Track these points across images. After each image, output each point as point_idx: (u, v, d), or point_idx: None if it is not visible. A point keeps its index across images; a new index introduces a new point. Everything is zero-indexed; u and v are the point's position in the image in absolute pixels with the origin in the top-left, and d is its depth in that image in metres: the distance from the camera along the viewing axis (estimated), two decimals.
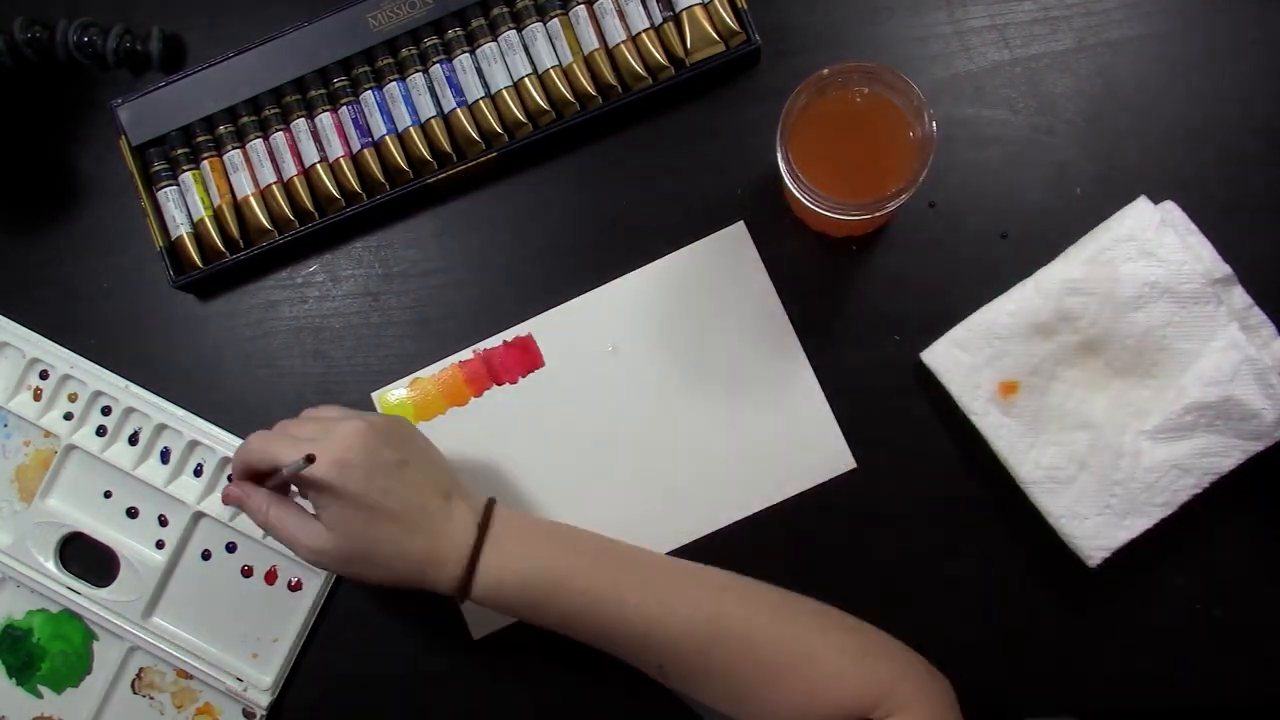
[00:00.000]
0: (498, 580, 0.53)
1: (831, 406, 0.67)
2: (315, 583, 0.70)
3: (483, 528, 0.53)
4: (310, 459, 0.51)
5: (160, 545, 0.71)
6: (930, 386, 0.66)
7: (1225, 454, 0.62)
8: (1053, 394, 0.63)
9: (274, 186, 0.69)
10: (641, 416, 0.68)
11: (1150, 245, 0.62)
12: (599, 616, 0.53)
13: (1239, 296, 0.63)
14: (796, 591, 0.60)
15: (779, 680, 0.51)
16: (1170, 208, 0.64)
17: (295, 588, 0.70)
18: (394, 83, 0.69)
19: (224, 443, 0.71)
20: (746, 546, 0.66)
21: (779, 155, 0.58)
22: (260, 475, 0.57)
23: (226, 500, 0.57)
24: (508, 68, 0.69)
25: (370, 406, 0.70)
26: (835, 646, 0.53)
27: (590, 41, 0.68)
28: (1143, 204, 0.64)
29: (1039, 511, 0.63)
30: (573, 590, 0.53)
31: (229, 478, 0.57)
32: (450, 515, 0.54)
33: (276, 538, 0.56)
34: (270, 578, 0.70)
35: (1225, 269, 0.62)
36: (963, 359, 0.63)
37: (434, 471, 0.55)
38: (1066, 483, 0.62)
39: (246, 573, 0.70)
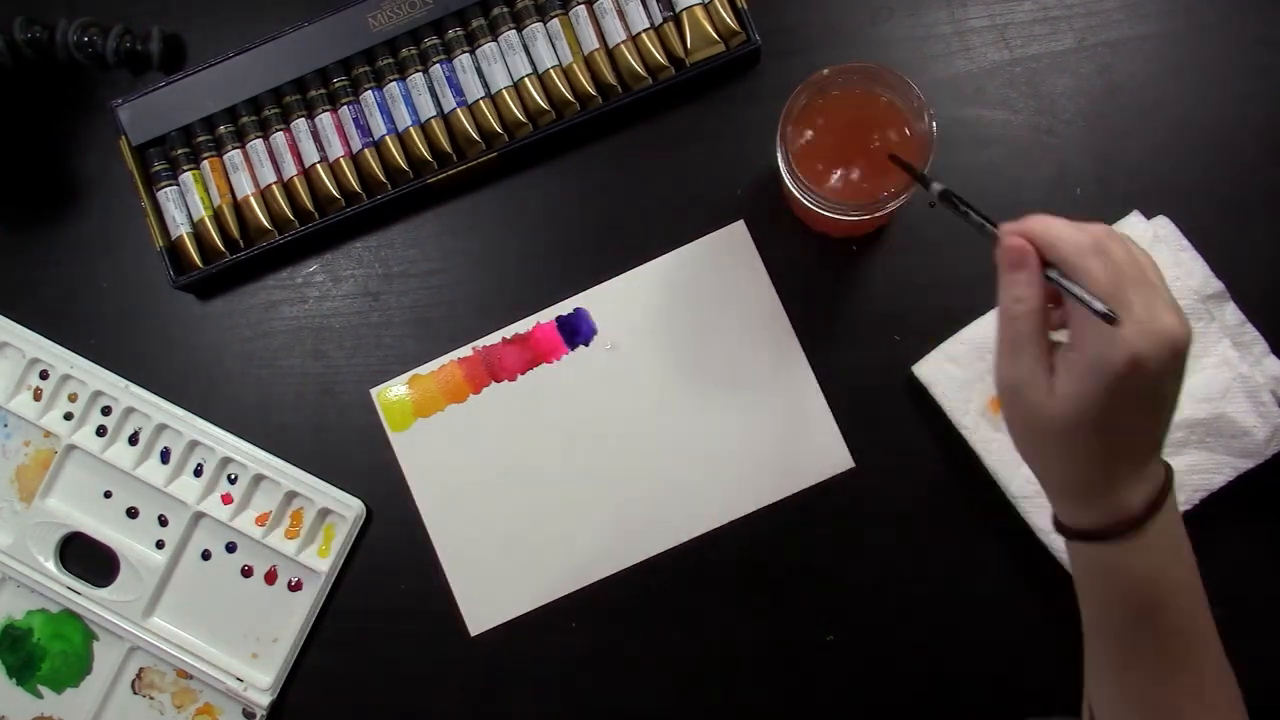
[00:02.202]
0: (1135, 549, 0.45)
1: (830, 406, 0.66)
2: (315, 582, 0.69)
3: (1153, 506, 0.45)
4: (1114, 320, 0.39)
5: (160, 545, 0.70)
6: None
7: (1216, 471, 0.60)
8: None
9: (274, 186, 0.69)
10: (640, 414, 0.67)
11: None
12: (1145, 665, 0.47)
13: (1231, 313, 0.62)
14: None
15: None
16: (1163, 222, 0.63)
17: (295, 588, 0.69)
18: (394, 83, 0.68)
19: (224, 443, 0.70)
20: (743, 545, 0.65)
21: (779, 155, 0.58)
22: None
23: (1009, 254, 0.43)
24: (508, 67, 0.68)
25: (369, 405, 0.69)
26: None
27: (590, 41, 0.67)
28: (1135, 219, 0.63)
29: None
30: (1166, 606, 0.46)
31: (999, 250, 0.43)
32: (1142, 477, 0.44)
33: (1005, 345, 0.44)
34: (270, 578, 0.70)
35: (1218, 285, 0.61)
36: (955, 373, 0.62)
37: (1164, 429, 0.45)
38: None
39: (246, 573, 0.70)
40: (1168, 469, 0.45)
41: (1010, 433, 0.46)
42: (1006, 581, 0.64)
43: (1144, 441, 0.44)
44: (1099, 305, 0.40)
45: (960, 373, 0.62)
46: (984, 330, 0.62)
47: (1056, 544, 0.61)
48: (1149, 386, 0.41)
